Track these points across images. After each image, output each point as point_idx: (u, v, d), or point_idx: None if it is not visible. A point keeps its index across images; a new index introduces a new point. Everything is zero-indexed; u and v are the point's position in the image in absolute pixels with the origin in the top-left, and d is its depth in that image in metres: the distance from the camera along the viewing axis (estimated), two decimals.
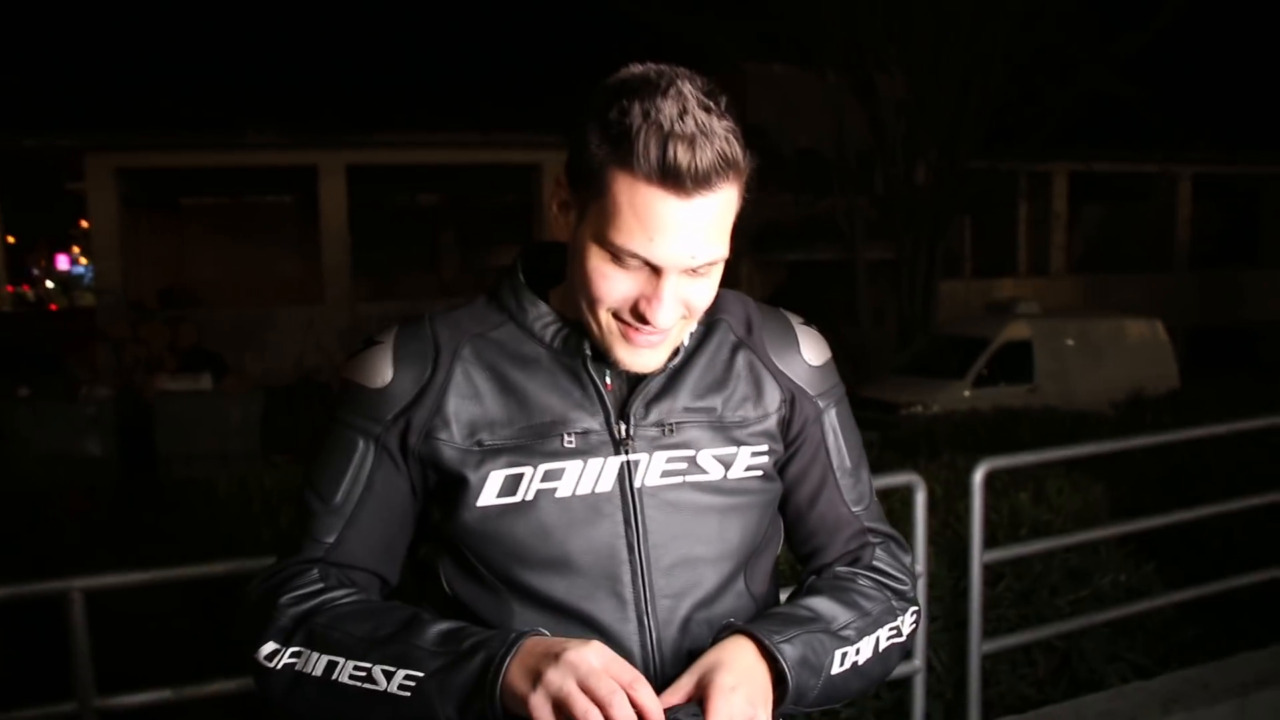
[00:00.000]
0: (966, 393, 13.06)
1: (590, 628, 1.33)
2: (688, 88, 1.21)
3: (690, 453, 1.39)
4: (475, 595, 1.37)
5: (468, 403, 1.35)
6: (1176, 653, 4.28)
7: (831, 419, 1.51)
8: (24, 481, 11.44)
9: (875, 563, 1.52)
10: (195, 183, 21.48)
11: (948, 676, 3.72)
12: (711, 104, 1.21)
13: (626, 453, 1.36)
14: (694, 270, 1.27)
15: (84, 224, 22.81)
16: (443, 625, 1.26)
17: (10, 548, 4.23)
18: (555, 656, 1.16)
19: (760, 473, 1.43)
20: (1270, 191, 27.53)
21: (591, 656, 1.16)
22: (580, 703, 1.12)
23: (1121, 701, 3.88)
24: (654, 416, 1.38)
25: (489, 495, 1.33)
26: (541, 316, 1.39)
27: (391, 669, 1.22)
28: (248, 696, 2.79)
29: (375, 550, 1.38)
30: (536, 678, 1.15)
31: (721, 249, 1.27)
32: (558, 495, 1.34)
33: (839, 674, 1.36)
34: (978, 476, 3.49)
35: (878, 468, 4.92)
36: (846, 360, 19.68)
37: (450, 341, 1.37)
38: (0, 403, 12.42)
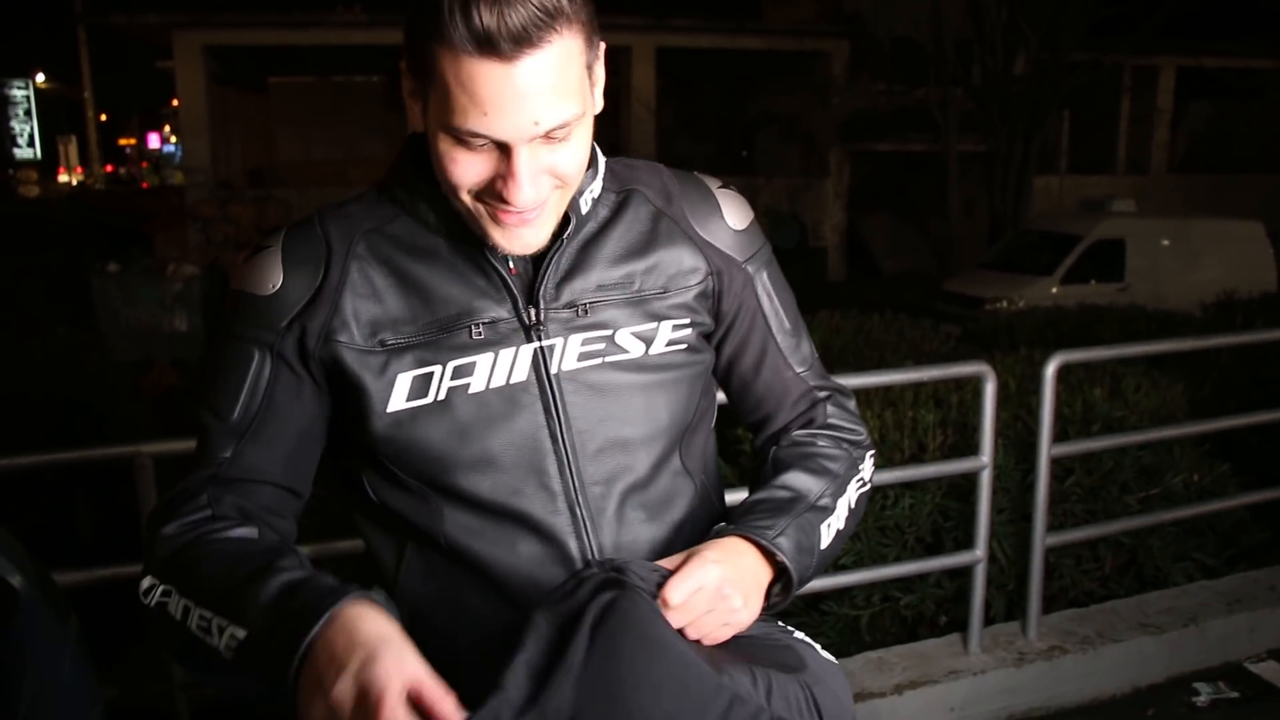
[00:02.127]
0: (1054, 289, 12.78)
1: (521, 524, 1.30)
2: None
3: (608, 332, 1.32)
4: (402, 502, 1.32)
5: (366, 301, 1.27)
6: (1246, 555, 4.19)
7: (764, 282, 1.44)
8: (113, 354, 11.78)
9: (829, 420, 1.50)
10: (283, 61, 21.54)
11: (1010, 568, 3.69)
12: None
13: (539, 339, 1.29)
14: (547, 136, 1.16)
15: (175, 103, 23.05)
16: (288, 577, 1.16)
17: (99, 417, 4.34)
18: (347, 665, 1.05)
19: (684, 345, 1.37)
20: None
21: (379, 673, 1.04)
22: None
23: (1186, 600, 3.83)
24: (565, 298, 1.30)
25: (398, 399, 1.27)
26: (438, 208, 1.29)
27: (225, 624, 1.14)
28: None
29: (277, 462, 1.31)
30: (328, 676, 1.06)
31: (572, 107, 1.16)
32: (471, 391, 1.28)
33: (828, 547, 1.39)
34: (1050, 370, 3.41)
35: (953, 360, 4.87)
36: (933, 254, 19.36)
37: (343, 239, 1.29)
38: (91, 278, 12.73)
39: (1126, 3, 16.35)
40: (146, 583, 1.25)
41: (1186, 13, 17.18)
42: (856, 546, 3.52)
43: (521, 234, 1.23)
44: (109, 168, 50.92)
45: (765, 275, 1.44)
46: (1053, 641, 3.57)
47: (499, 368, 1.28)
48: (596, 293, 1.31)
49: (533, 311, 1.29)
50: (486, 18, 1.07)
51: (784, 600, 1.34)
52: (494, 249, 1.26)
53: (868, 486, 1.50)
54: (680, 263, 1.36)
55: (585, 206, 1.33)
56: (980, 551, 3.40)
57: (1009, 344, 6.03)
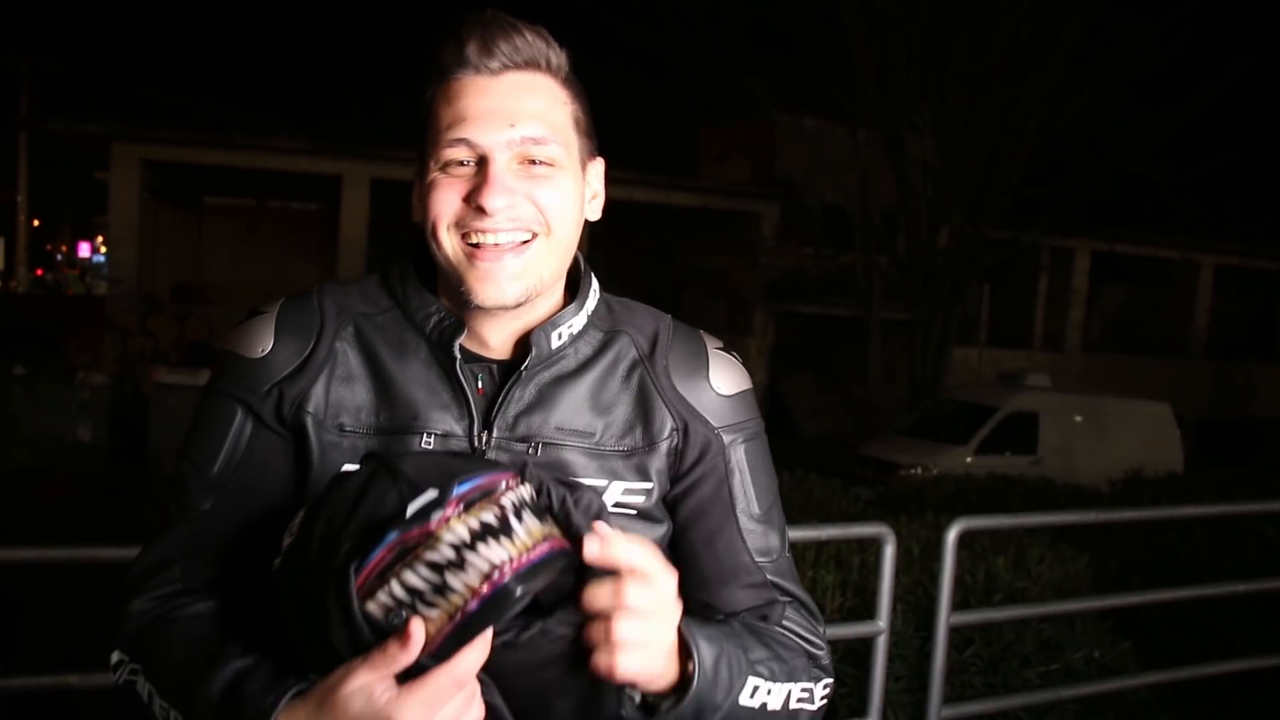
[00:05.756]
0: (969, 459, 12.92)
1: None
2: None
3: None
4: None
5: (339, 384, 1.26)
6: None
7: (739, 456, 1.33)
8: (10, 461, 11.40)
9: (787, 623, 1.32)
10: (220, 181, 21.53)
11: None
12: (519, 22, 1.23)
13: None
14: (529, 160, 1.22)
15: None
16: (236, 665, 1.12)
17: None
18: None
19: (634, 512, 1.28)
20: None
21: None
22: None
23: None
24: (521, 430, 1.25)
25: None
26: (426, 306, 1.29)
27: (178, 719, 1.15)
28: None
29: (254, 516, 1.26)
30: None
31: (552, 138, 1.23)
32: None
33: (745, 708, 1.19)
34: (951, 535, 3.39)
35: (860, 521, 4.83)
36: (852, 417, 19.55)
37: (336, 318, 1.29)
38: None
39: (1045, 186, 17.06)
40: (116, 657, 1.22)
41: (1101, 200, 17.96)
42: None
43: (497, 276, 1.21)
44: (39, 272, 50.11)
45: (744, 449, 1.34)
46: None
47: None
48: (554, 434, 1.25)
49: (485, 436, 1.24)
50: (475, 41, 1.21)
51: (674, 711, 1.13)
52: (471, 370, 1.26)
53: (814, 706, 1.27)
54: (646, 421, 1.29)
55: (556, 341, 1.28)
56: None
57: (919, 509, 6.02)
